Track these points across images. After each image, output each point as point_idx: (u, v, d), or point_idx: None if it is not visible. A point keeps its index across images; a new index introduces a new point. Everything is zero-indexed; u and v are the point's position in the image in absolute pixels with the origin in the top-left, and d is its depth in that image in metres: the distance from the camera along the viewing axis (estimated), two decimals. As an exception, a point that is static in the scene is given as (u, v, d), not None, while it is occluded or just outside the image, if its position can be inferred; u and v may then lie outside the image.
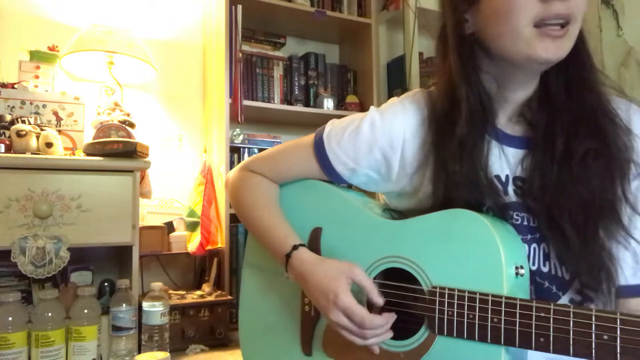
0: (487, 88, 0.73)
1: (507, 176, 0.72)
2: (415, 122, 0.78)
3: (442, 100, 0.76)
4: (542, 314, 0.58)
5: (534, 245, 0.70)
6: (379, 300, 0.71)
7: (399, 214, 0.83)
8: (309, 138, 0.86)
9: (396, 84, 2.39)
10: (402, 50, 2.35)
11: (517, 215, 0.71)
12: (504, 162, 0.73)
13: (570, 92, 0.70)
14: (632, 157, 0.68)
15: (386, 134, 0.78)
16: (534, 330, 0.58)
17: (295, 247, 0.77)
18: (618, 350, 0.53)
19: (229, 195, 0.95)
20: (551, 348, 0.57)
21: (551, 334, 0.57)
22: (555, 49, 0.64)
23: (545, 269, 0.70)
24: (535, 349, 0.58)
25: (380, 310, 0.72)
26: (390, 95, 2.43)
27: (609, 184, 0.66)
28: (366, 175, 0.83)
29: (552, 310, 0.57)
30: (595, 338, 0.54)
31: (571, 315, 0.56)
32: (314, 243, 0.83)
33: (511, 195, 0.72)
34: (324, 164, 0.83)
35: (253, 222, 0.87)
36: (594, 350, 0.54)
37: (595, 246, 0.65)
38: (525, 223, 0.71)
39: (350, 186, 0.90)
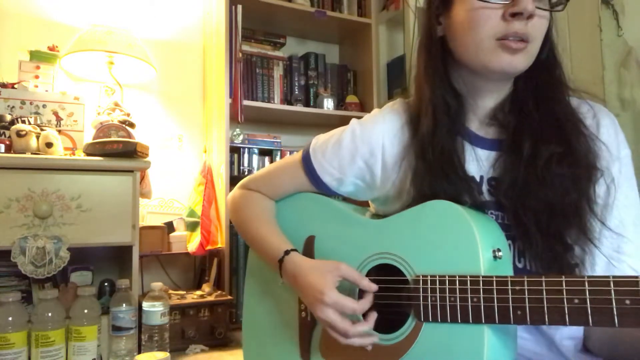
0: (456, 89, 0.77)
1: (481, 177, 0.75)
2: (394, 128, 0.82)
3: (414, 101, 0.81)
4: (517, 287, 0.60)
5: (509, 242, 0.72)
6: (371, 286, 0.72)
7: (386, 217, 0.85)
8: (298, 154, 0.90)
9: (396, 84, 2.39)
10: (402, 50, 2.35)
11: (492, 213, 0.74)
12: (477, 164, 0.75)
13: (538, 101, 0.74)
14: (596, 163, 0.70)
15: (366, 143, 0.82)
16: (510, 305, 0.60)
17: (287, 252, 0.80)
18: (589, 312, 0.55)
19: (230, 213, 0.99)
20: (528, 319, 0.59)
21: (527, 305, 0.59)
22: (510, 61, 0.69)
23: (520, 265, 0.72)
24: (514, 323, 0.60)
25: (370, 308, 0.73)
26: (390, 95, 2.42)
27: (573, 188, 0.68)
28: (353, 183, 0.86)
29: (526, 282, 0.59)
30: (567, 303, 0.56)
31: (544, 285, 0.58)
32: (308, 250, 0.86)
33: (485, 195, 0.75)
34: (312, 177, 0.87)
35: (250, 234, 0.91)
36: (567, 315, 0.56)
37: (559, 247, 0.68)
38: (500, 221, 0.73)
39: (345, 198, 0.92)
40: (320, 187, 0.87)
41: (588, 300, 0.55)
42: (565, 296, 0.56)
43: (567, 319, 0.56)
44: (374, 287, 0.72)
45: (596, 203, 0.70)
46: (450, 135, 0.75)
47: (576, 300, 0.55)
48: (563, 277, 0.57)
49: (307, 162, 0.87)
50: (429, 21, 0.77)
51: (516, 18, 0.66)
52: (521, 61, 0.69)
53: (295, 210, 0.92)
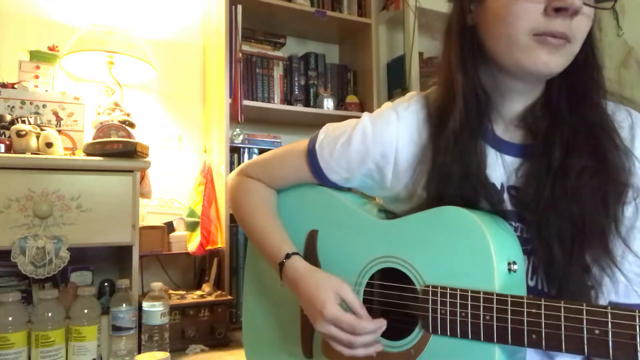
0: (484, 84, 0.71)
1: (502, 184, 0.71)
2: (410, 129, 0.76)
3: (440, 94, 0.74)
4: (534, 310, 0.57)
5: (524, 257, 0.68)
6: (367, 325, 0.68)
7: (394, 215, 0.82)
8: (303, 145, 0.85)
9: (396, 84, 2.39)
10: (402, 50, 2.35)
11: (512, 224, 0.69)
12: (499, 170, 0.71)
13: (572, 105, 0.68)
14: (629, 181, 0.65)
15: (378, 145, 0.77)
16: (525, 327, 0.57)
17: (288, 256, 0.77)
18: (610, 345, 0.52)
19: (229, 200, 0.96)
20: (544, 345, 0.56)
21: (543, 330, 0.56)
22: (547, 61, 0.62)
23: (531, 283, 0.68)
24: (528, 346, 0.57)
25: (374, 316, 0.72)
26: (390, 95, 2.42)
27: (602, 207, 0.64)
28: (361, 181, 0.82)
29: (543, 306, 0.56)
30: (586, 333, 0.53)
31: (562, 311, 0.55)
32: (310, 246, 0.83)
33: (507, 204, 0.70)
34: (317, 174, 0.83)
35: (250, 227, 0.87)
36: (585, 346, 0.53)
37: (579, 268, 0.64)
38: (518, 234, 0.69)
39: (349, 188, 0.90)
40: (326, 183, 0.84)
41: (610, 332, 0.52)
42: (585, 325, 0.53)
43: (585, 349, 0.53)
44: (369, 327, 0.68)
45: (623, 224, 0.65)
46: (475, 135, 0.69)
47: (597, 331, 0.52)
48: (584, 304, 0.54)
49: (312, 158, 0.82)
50: (460, 7, 0.70)
51: (559, 14, 0.59)
52: (559, 62, 0.63)
53: (298, 201, 0.88)
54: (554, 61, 0.63)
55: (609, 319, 0.52)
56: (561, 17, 0.60)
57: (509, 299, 0.59)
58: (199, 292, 1.77)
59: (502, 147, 0.71)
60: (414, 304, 0.68)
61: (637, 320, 0.50)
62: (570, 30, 0.61)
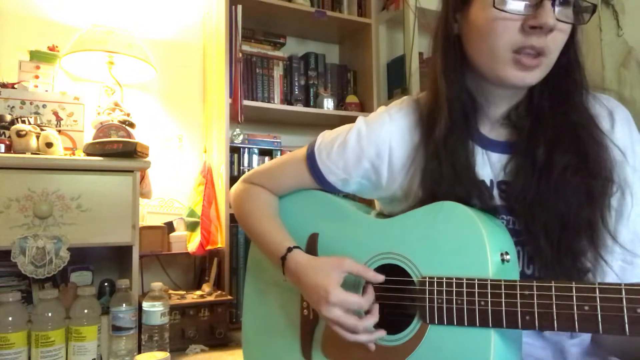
0: (469, 88, 0.75)
1: (491, 181, 0.74)
2: (402, 129, 0.80)
3: (429, 98, 0.78)
4: (526, 292, 0.59)
5: (518, 247, 0.70)
6: (378, 277, 0.72)
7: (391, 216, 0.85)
8: (302, 151, 0.89)
9: (396, 84, 2.39)
10: (402, 50, 2.35)
11: (503, 218, 0.72)
12: (488, 167, 0.74)
13: (554, 105, 0.72)
14: (612, 175, 0.68)
15: (372, 144, 0.80)
16: (519, 309, 0.59)
17: (289, 250, 0.80)
18: (599, 320, 0.54)
19: (233, 206, 0.99)
20: (537, 325, 0.58)
21: (535, 310, 0.58)
22: (523, 77, 0.67)
23: (529, 272, 0.71)
24: (522, 328, 0.59)
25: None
26: (390, 95, 2.42)
27: (587, 202, 0.67)
28: (358, 183, 0.85)
29: (535, 287, 0.59)
30: (577, 310, 0.55)
31: (553, 290, 0.57)
32: (311, 248, 0.85)
33: (496, 199, 0.73)
34: (317, 176, 0.86)
35: (252, 230, 0.90)
36: (576, 322, 0.55)
37: (567, 260, 0.67)
38: (511, 226, 0.72)
39: (347, 195, 0.92)
40: (325, 186, 0.87)
41: (599, 307, 0.54)
42: (575, 302, 0.56)
43: (576, 326, 0.55)
44: (380, 277, 0.72)
45: (609, 214, 0.68)
46: (463, 137, 0.73)
47: (586, 307, 0.55)
48: (573, 283, 0.56)
49: (311, 162, 0.86)
50: (445, 16, 0.74)
51: (535, 32, 0.64)
52: (534, 76, 0.67)
53: (299, 206, 0.91)
54: (528, 77, 0.67)
55: (597, 294, 0.54)
56: (536, 35, 0.64)
57: (502, 283, 0.61)
58: (199, 292, 1.77)
59: (489, 145, 0.75)
60: (412, 296, 0.70)
61: (623, 293, 0.53)
62: (545, 44, 0.65)
